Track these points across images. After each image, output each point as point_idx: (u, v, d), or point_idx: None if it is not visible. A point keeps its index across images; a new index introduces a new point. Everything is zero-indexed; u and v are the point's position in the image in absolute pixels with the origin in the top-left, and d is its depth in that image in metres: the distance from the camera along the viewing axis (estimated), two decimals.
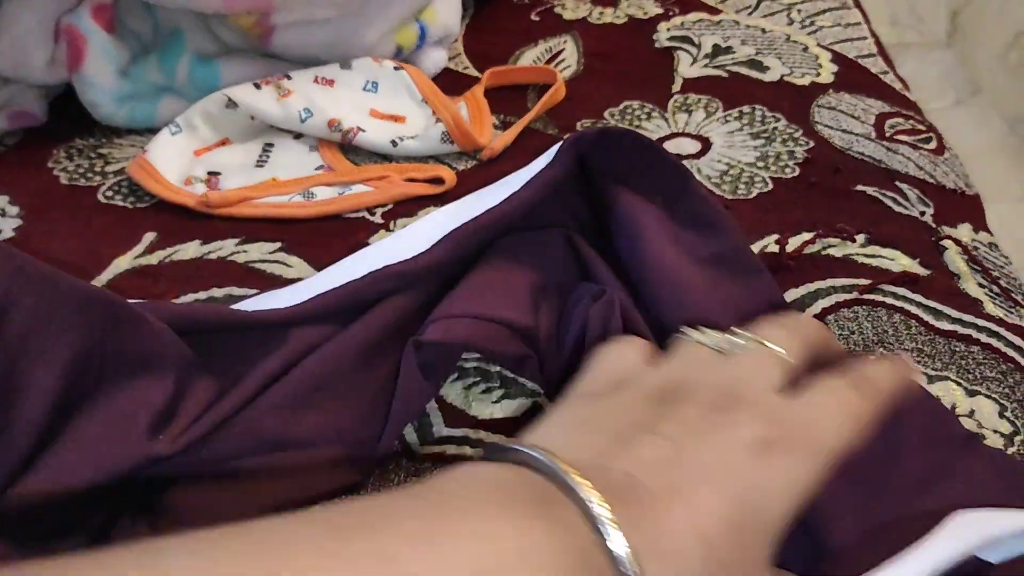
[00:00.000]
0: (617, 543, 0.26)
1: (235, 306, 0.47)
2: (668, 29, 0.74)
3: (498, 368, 0.45)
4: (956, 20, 1.94)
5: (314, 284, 0.47)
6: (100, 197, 0.59)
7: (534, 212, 0.47)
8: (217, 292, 0.51)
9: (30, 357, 0.37)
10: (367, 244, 0.54)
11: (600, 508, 0.26)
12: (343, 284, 0.44)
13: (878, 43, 0.74)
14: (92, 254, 0.53)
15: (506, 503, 0.26)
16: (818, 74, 0.69)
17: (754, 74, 0.69)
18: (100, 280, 0.52)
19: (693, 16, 0.76)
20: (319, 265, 0.52)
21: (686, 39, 0.73)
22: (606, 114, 0.65)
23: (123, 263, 0.53)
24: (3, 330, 0.36)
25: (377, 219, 0.56)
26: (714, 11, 0.77)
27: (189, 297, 0.50)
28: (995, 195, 1.50)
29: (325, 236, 0.55)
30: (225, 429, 0.41)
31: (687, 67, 0.70)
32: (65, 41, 0.62)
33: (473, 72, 0.71)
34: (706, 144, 0.61)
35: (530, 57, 0.72)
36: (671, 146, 0.62)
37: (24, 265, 0.39)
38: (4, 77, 0.64)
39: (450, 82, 0.68)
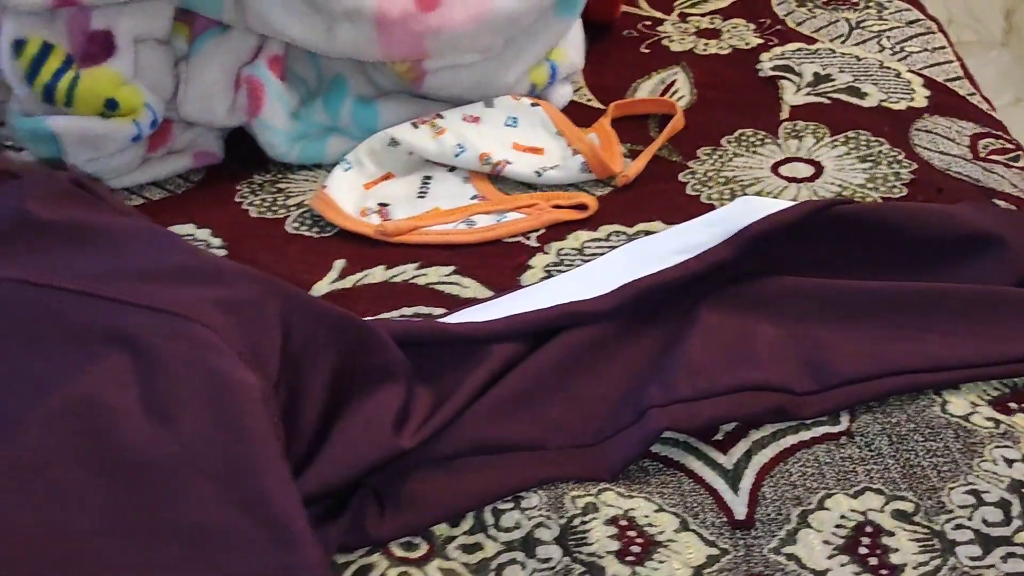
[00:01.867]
0: None
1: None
2: (770, 59, 0.81)
3: None
4: (1011, 19, 1.98)
5: (504, 306, 0.55)
6: (288, 228, 0.67)
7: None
8: (407, 311, 0.59)
9: (305, 371, 0.46)
10: (528, 266, 0.62)
11: None
12: (534, 311, 0.53)
13: (963, 65, 0.81)
14: (293, 280, 0.61)
15: None
16: (912, 99, 0.75)
17: (854, 100, 0.76)
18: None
19: (792, 46, 0.83)
20: (490, 285, 0.60)
21: (788, 68, 0.80)
22: (723, 141, 0.72)
23: (322, 287, 0.61)
24: (287, 348, 0.45)
25: (533, 243, 0.64)
26: (810, 40, 0.84)
27: (384, 316, 0.58)
28: None
29: (491, 259, 0.63)
30: (447, 431, 0.49)
31: (792, 95, 0.77)
32: (246, 89, 0.71)
33: (596, 103, 0.78)
34: (818, 168, 0.69)
35: (646, 89, 0.79)
36: (786, 170, 0.69)
37: (292, 293, 0.47)
38: (189, 122, 0.73)
39: (575, 113, 0.76)
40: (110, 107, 0.68)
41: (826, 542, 0.44)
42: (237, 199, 0.71)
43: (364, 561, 0.45)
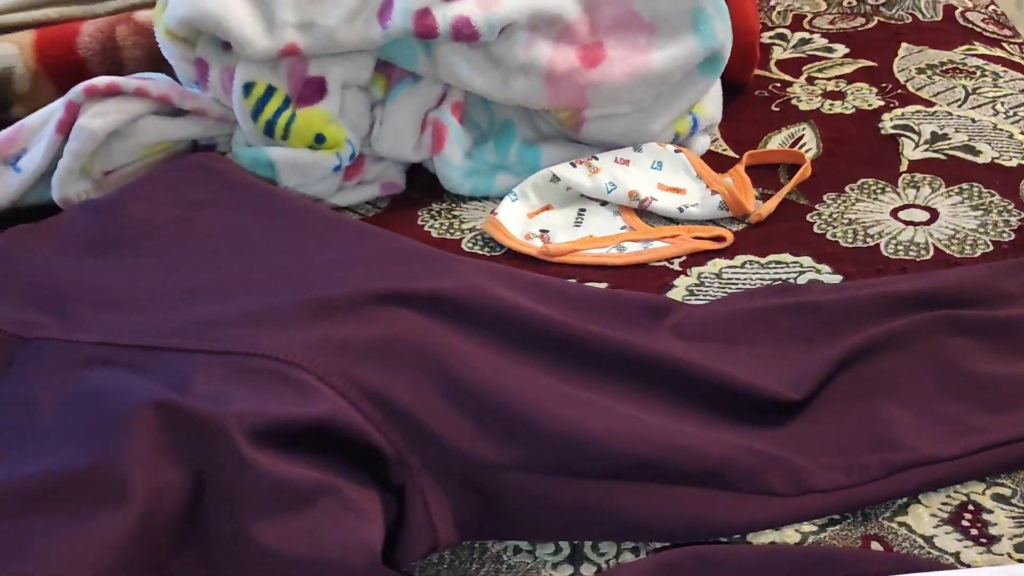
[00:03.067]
0: None
1: None
2: (891, 119, 0.90)
3: None
4: None
5: None
6: (464, 247, 0.78)
7: None
8: None
9: None
10: (672, 285, 0.72)
11: None
12: None
13: None
14: None
15: None
16: None
17: (968, 157, 0.83)
18: None
19: (911, 108, 0.91)
20: None
21: (908, 127, 0.88)
22: (847, 188, 0.81)
23: None
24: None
25: (675, 267, 0.74)
26: (929, 104, 0.92)
27: None
28: None
29: (639, 279, 0.73)
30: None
31: (911, 150, 0.85)
32: (432, 130, 0.83)
33: (731, 153, 0.88)
34: (934, 214, 0.77)
35: (776, 141, 0.89)
36: (904, 215, 0.77)
37: None
38: (380, 156, 0.86)
39: (713, 162, 0.85)
40: (318, 141, 0.81)
41: (933, 515, 0.52)
42: (419, 222, 0.82)
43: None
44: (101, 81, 0.83)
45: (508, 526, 0.53)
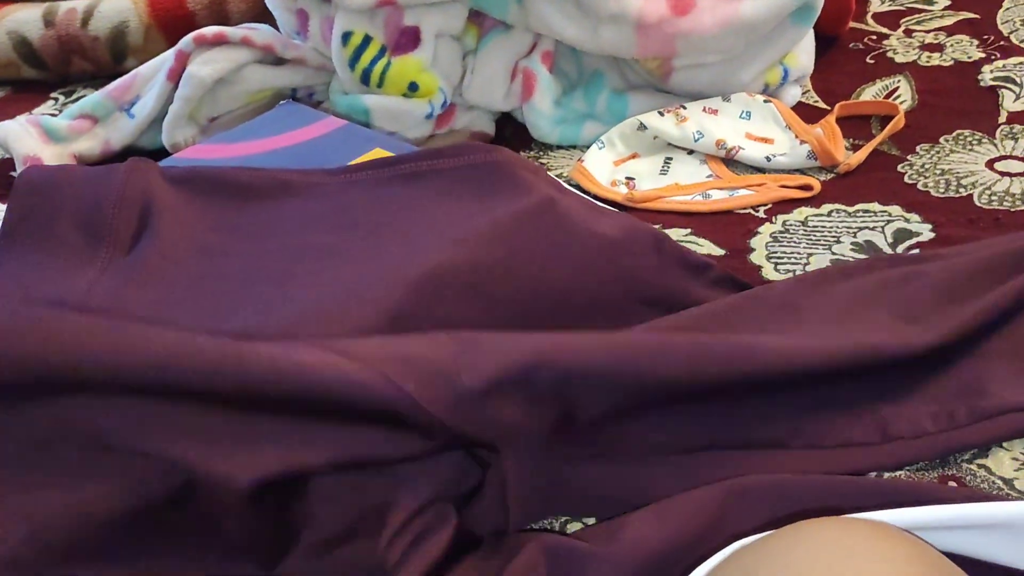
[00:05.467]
0: None
1: None
2: (991, 71, 0.88)
3: None
4: None
5: None
6: None
7: None
8: None
9: None
10: (757, 231, 0.72)
11: None
12: None
13: None
14: None
15: None
16: None
17: None
18: None
19: (1014, 60, 0.89)
20: (722, 245, 0.70)
21: (1009, 79, 0.86)
22: (941, 139, 0.80)
23: None
24: None
25: (760, 214, 0.74)
26: None
27: None
28: None
29: (723, 226, 0.73)
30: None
31: (1011, 103, 0.83)
32: (522, 79, 0.85)
33: (822, 105, 0.87)
34: None
35: (870, 93, 0.88)
36: (1000, 166, 0.75)
37: None
38: (471, 106, 0.88)
39: (803, 113, 0.85)
40: (412, 89, 0.84)
41: (1014, 459, 0.52)
42: None
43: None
44: (210, 31, 0.87)
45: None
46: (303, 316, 0.53)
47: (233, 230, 0.62)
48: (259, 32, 0.88)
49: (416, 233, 0.60)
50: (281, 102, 0.77)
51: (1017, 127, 0.80)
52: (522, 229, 0.59)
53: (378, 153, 0.67)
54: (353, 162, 0.65)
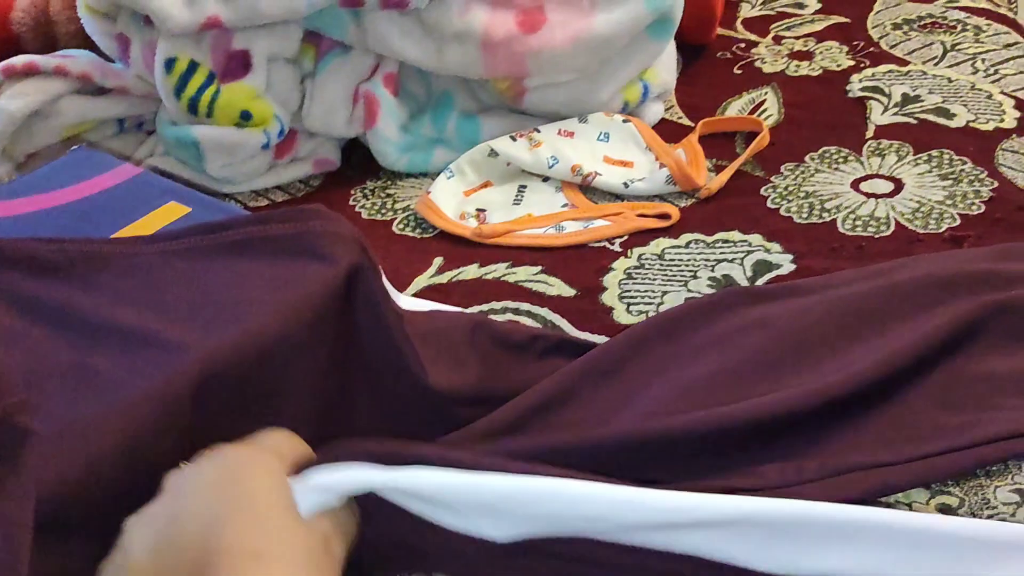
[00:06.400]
0: None
1: None
2: (860, 80, 0.84)
3: None
4: None
5: None
6: (395, 229, 0.74)
7: None
8: (496, 304, 0.64)
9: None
10: (611, 268, 0.67)
11: None
12: None
13: None
14: (395, 274, 0.68)
15: None
16: (1002, 120, 0.77)
17: (941, 121, 0.77)
18: (406, 295, 0.66)
19: (883, 68, 0.85)
20: (573, 284, 0.65)
21: (877, 89, 0.82)
22: (807, 158, 0.75)
23: (421, 282, 0.68)
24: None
25: (616, 248, 0.69)
26: (903, 63, 0.86)
27: (475, 309, 0.64)
28: None
29: (576, 261, 0.68)
30: None
31: (879, 115, 0.79)
32: (364, 103, 0.78)
33: (686, 121, 0.82)
34: (898, 184, 0.71)
35: (736, 107, 0.83)
36: (866, 186, 0.71)
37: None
38: (312, 132, 0.81)
39: (667, 130, 0.80)
40: (245, 118, 0.76)
41: None
42: (351, 202, 0.78)
43: None
44: (19, 60, 0.80)
45: None
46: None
47: (30, 311, 0.54)
48: (75, 60, 0.80)
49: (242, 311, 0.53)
50: (73, 147, 0.69)
51: (884, 142, 0.76)
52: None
53: (173, 208, 0.59)
54: (145, 217, 0.58)
